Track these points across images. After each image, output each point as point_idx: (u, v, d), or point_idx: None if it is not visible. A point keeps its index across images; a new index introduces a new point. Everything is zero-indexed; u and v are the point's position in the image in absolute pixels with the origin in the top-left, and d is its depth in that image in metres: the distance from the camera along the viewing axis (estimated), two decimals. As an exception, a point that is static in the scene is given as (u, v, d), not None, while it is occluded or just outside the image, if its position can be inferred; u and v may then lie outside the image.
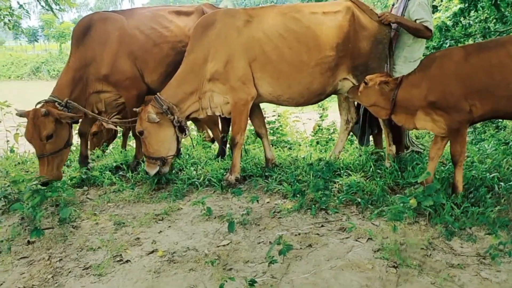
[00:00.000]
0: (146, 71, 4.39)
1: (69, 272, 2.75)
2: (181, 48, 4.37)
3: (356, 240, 3.05)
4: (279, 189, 3.93)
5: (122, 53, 4.28)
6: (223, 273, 2.67)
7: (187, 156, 4.86)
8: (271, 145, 4.63)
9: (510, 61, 3.22)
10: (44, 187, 3.63)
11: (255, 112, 4.47)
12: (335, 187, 3.85)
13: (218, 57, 4.00)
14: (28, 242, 3.12)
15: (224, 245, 3.05)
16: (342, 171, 4.15)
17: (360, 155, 4.55)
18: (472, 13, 8.02)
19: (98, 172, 4.34)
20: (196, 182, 4.13)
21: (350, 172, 4.10)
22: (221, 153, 4.87)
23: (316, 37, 4.01)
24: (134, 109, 4.09)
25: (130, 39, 4.31)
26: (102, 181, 4.26)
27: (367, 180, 3.91)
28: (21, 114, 3.90)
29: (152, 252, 2.99)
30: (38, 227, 3.13)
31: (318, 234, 3.17)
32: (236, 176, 4.13)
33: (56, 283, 2.64)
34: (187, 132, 4.20)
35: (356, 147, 4.98)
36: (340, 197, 3.63)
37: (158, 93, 4.05)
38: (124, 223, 3.42)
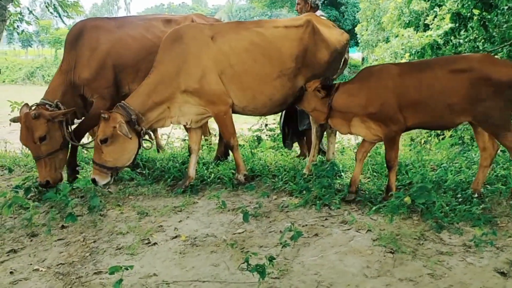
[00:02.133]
0: (137, 80, 4.41)
1: (104, 251, 3.09)
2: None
3: (357, 231, 3.43)
4: (285, 187, 4.29)
5: (109, 62, 4.39)
6: (242, 254, 3.03)
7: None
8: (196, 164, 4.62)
9: (435, 82, 3.67)
10: (44, 188, 3.93)
11: (196, 129, 4.50)
12: (337, 186, 4.24)
13: (192, 72, 4.12)
14: (63, 226, 3.46)
15: (239, 233, 3.41)
16: (342, 172, 4.55)
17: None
18: (462, 33, 8.54)
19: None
20: (208, 180, 4.50)
21: (350, 174, 4.50)
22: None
23: (278, 50, 4.26)
24: (102, 114, 3.88)
25: (121, 48, 4.44)
26: (121, 176, 4.59)
27: (366, 180, 4.31)
28: (14, 120, 4.08)
29: (176, 237, 3.34)
30: (72, 213, 3.47)
31: (323, 225, 3.55)
32: (244, 174, 4.43)
33: (94, 259, 2.98)
34: (151, 143, 4.31)
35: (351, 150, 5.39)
36: (341, 195, 4.02)
37: (123, 101, 4.01)
38: (146, 213, 3.76)
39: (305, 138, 5.42)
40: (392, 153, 3.82)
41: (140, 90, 4.09)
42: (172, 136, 7.61)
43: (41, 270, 2.84)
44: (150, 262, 2.95)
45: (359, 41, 26.20)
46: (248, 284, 2.67)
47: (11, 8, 8.60)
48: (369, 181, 4.37)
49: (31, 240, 3.27)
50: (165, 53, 4.20)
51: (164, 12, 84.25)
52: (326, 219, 3.67)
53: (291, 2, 35.32)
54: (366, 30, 23.82)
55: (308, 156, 4.77)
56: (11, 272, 2.82)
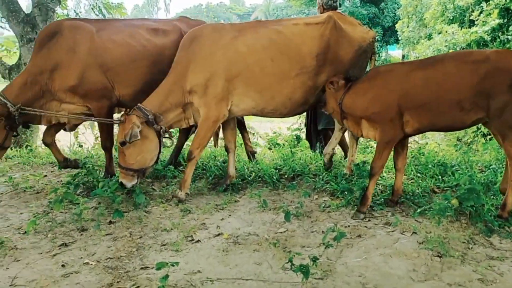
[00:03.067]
0: (117, 85, 4.33)
1: (150, 247, 3.18)
2: (158, 67, 4.36)
3: (402, 233, 3.36)
4: (326, 187, 4.26)
5: (93, 65, 4.20)
6: (284, 254, 3.03)
7: (237, 155, 5.26)
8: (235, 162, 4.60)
9: (444, 77, 3.43)
10: None
11: (230, 126, 4.48)
12: (379, 188, 4.16)
13: (200, 71, 4.04)
14: (110, 221, 3.57)
15: (281, 232, 3.41)
16: (384, 173, 4.46)
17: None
18: (510, 29, 8.20)
19: (161, 166, 4.78)
20: (249, 179, 4.53)
21: (392, 175, 4.41)
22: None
23: (297, 48, 4.11)
24: (120, 117, 3.98)
25: (101, 51, 4.24)
26: (164, 174, 4.70)
27: (410, 182, 4.21)
28: None
29: (218, 235, 3.38)
30: (119, 209, 3.58)
31: (366, 227, 3.49)
32: (186, 192, 4.13)
33: (141, 255, 3.06)
34: (170, 141, 4.26)
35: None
36: (384, 196, 3.94)
37: (139, 104, 4.00)
38: (189, 210, 3.83)
39: (322, 137, 5.39)
40: (380, 161, 3.61)
41: (158, 91, 4.08)
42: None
43: (91, 264, 2.95)
44: (194, 259, 3.00)
45: (399, 38, 25.57)
46: (291, 284, 2.67)
47: (58, 10, 8.98)
48: (413, 182, 4.27)
49: (81, 234, 3.39)
50: (181, 53, 4.17)
51: (202, 12, 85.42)
52: (369, 220, 3.61)
53: None
54: (407, 26, 23.18)
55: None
56: (62, 265, 2.94)
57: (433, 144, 6.73)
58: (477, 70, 3.32)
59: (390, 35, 32.73)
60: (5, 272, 2.86)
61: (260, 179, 4.54)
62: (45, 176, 4.92)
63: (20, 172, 5.18)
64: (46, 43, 4.18)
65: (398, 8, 27.44)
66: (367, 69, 4.34)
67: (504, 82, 3.26)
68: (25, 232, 3.41)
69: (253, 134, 6.65)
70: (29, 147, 6.28)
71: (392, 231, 3.41)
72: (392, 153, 3.78)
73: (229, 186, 4.33)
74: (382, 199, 3.90)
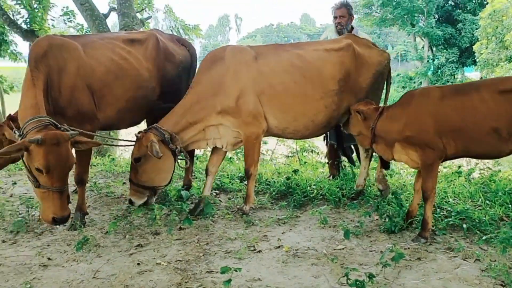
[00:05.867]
0: (102, 106, 4.05)
1: (215, 253, 3.42)
2: (141, 82, 4.27)
3: (464, 260, 3.31)
4: (387, 209, 4.28)
5: (80, 85, 3.87)
6: (341, 269, 3.12)
7: (301, 172, 5.43)
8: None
9: (481, 105, 3.39)
10: None
11: (219, 152, 4.41)
12: (443, 213, 4.11)
13: (229, 92, 4.07)
14: (180, 228, 3.89)
15: (340, 249, 3.51)
16: (450, 198, 4.39)
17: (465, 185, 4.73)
18: None
19: (228, 179, 5.07)
20: (311, 196, 4.67)
21: (459, 201, 4.33)
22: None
23: (319, 72, 4.21)
24: (136, 134, 4.01)
25: (88, 70, 3.94)
26: (230, 187, 4.98)
27: (477, 209, 4.12)
28: None
29: (279, 247, 3.55)
30: (189, 217, 3.89)
31: (426, 250, 3.48)
32: (250, 206, 4.28)
33: (207, 260, 3.31)
34: (187, 162, 4.22)
35: (465, 178, 5.14)
36: (447, 221, 3.89)
37: (156, 124, 4.03)
38: (253, 222, 4.05)
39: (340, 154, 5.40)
40: (430, 182, 3.58)
41: (175, 110, 4.10)
42: (276, 152, 7.95)
43: (163, 264, 3.25)
44: (255, 267, 3.20)
45: (477, 59, 24.46)
46: (347, 298, 2.76)
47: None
48: (480, 209, 4.16)
49: (155, 238, 3.73)
50: (202, 74, 4.22)
51: (273, 32, 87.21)
52: (430, 244, 3.59)
53: (402, 20, 34.30)
54: (486, 48, 22.16)
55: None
56: (138, 264, 3.27)
57: (508, 171, 6.42)
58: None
59: (467, 56, 31.40)
60: (89, 266, 3.24)
61: (322, 196, 4.66)
62: (124, 183, 5.40)
63: (103, 178, 5.73)
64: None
65: (476, 29, 26.33)
66: (384, 87, 4.54)
67: None
68: (107, 232, 3.81)
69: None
70: (110, 157, 6.89)
71: (454, 256, 3.38)
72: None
73: (201, 211, 4.21)
74: (445, 224, 3.86)
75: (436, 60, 33.28)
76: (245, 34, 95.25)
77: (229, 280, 2.74)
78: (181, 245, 3.59)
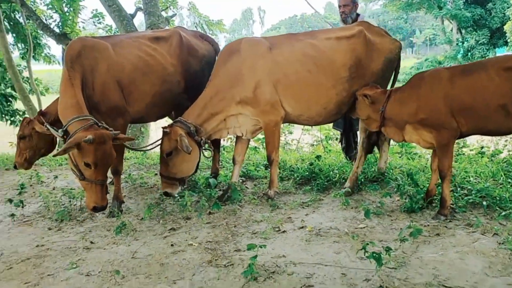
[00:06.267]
0: (131, 100, 4.35)
1: (242, 234, 3.66)
2: (167, 77, 4.55)
3: (482, 234, 3.42)
4: (408, 190, 4.40)
5: (111, 82, 4.18)
6: (362, 246, 3.29)
7: (324, 158, 5.59)
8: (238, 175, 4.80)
9: (488, 83, 3.44)
10: None
11: (242, 140, 4.65)
12: (464, 191, 4.20)
13: (247, 83, 4.27)
14: (210, 212, 4.14)
15: (361, 228, 3.68)
16: (471, 178, 4.46)
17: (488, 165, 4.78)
18: None
19: (253, 167, 5.29)
20: (334, 180, 4.84)
21: (480, 180, 4.41)
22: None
23: (331, 60, 4.32)
24: (164, 129, 4.19)
25: (118, 68, 4.23)
26: (255, 174, 5.20)
27: (497, 187, 4.18)
28: None
29: (302, 227, 3.75)
30: (217, 202, 4.14)
31: (446, 227, 3.61)
32: (275, 190, 4.50)
33: (235, 240, 3.55)
34: (211, 151, 4.49)
35: (487, 157, 5.19)
36: (467, 199, 3.99)
37: (180, 117, 4.28)
38: (277, 206, 4.26)
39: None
40: (446, 161, 3.67)
41: (196, 103, 4.32)
42: (302, 141, 8.13)
43: (194, 245, 3.50)
44: (280, 246, 3.41)
45: (508, 40, 23.73)
46: (366, 271, 2.94)
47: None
48: (501, 187, 4.22)
49: (186, 222, 4.00)
50: (220, 67, 4.41)
51: (297, 23, 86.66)
52: (450, 221, 3.71)
53: (428, 3, 33.52)
54: (518, 27, 21.46)
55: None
56: (172, 245, 3.54)
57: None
58: None
59: (498, 37, 30.43)
60: (127, 248, 3.53)
61: (344, 181, 4.82)
62: (156, 174, 5.70)
63: (136, 170, 6.07)
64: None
65: (508, 8, 25.51)
66: (392, 77, 4.63)
67: None
68: (142, 218, 4.10)
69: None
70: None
71: (473, 232, 3.49)
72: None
73: (229, 197, 4.41)
74: (465, 202, 3.96)
75: (465, 42, 32.40)
76: (269, 26, 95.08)
77: (255, 256, 2.96)
78: (210, 228, 3.84)
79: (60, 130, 3.85)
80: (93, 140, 3.52)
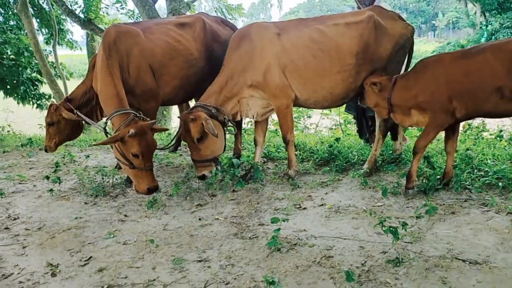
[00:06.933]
0: (161, 83, 4.66)
1: (265, 210, 3.88)
2: (192, 61, 4.82)
3: (496, 213, 3.56)
4: (425, 171, 4.54)
5: (144, 66, 4.49)
6: (378, 221, 3.47)
7: (343, 141, 5.75)
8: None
9: (486, 66, 3.51)
10: None
11: (260, 122, 4.86)
12: (480, 173, 4.32)
13: (257, 67, 4.42)
14: (234, 190, 4.37)
15: (378, 206, 3.86)
16: (488, 160, 4.57)
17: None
18: None
19: (274, 149, 5.49)
20: (352, 161, 5.01)
21: (497, 162, 4.51)
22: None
23: (337, 47, 4.39)
24: (190, 116, 4.26)
25: (149, 53, 4.52)
26: (277, 156, 5.40)
27: (515, 167, 4.30)
28: None
29: (322, 205, 3.95)
30: (241, 181, 4.36)
31: (461, 206, 3.75)
32: (295, 169, 4.68)
33: (258, 215, 3.77)
34: (234, 128, 4.75)
35: (505, 141, 5.27)
36: (483, 180, 4.11)
37: (198, 102, 4.50)
38: (298, 185, 4.46)
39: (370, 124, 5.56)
40: (424, 141, 3.89)
41: (212, 88, 4.50)
42: (320, 125, 8.28)
43: (220, 219, 3.74)
44: (301, 221, 3.62)
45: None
46: (383, 244, 3.13)
47: (188, 14, 10.28)
48: (518, 168, 4.33)
49: (212, 199, 4.24)
50: (232, 52, 4.56)
51: (316, 6, 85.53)
52: (465, 201, 3.85)
53: (452, -14, 32.65)
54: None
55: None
56: (199, 219, 3.78)
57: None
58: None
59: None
60: (159, 221, 3.79)
61: (363, 162, 4.98)
62: (181, 155, 5.95)
63: (162, 151, 6.32)
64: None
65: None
66: (405, 63, 4.66)
67: None
68: (171, 194, 4.35)
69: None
70: (168, 132, 7.50)
71: (488, 210, 3.63)
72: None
73: (252, 177, 4.64)
74: (482, 183, 4.08)
75: (489, 26, 31.58)
76: (287, 10, 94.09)
77: (278, 229, 3.18)
78: (235, 204, 4.07)
79: (103, 123, 4.33)
80: (135, 133, 3.86)
